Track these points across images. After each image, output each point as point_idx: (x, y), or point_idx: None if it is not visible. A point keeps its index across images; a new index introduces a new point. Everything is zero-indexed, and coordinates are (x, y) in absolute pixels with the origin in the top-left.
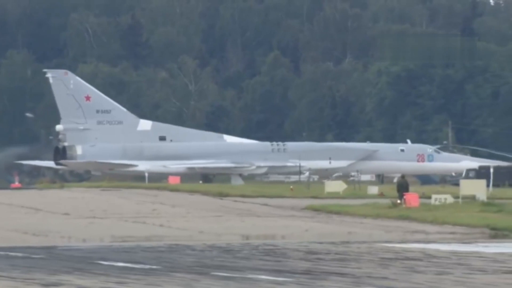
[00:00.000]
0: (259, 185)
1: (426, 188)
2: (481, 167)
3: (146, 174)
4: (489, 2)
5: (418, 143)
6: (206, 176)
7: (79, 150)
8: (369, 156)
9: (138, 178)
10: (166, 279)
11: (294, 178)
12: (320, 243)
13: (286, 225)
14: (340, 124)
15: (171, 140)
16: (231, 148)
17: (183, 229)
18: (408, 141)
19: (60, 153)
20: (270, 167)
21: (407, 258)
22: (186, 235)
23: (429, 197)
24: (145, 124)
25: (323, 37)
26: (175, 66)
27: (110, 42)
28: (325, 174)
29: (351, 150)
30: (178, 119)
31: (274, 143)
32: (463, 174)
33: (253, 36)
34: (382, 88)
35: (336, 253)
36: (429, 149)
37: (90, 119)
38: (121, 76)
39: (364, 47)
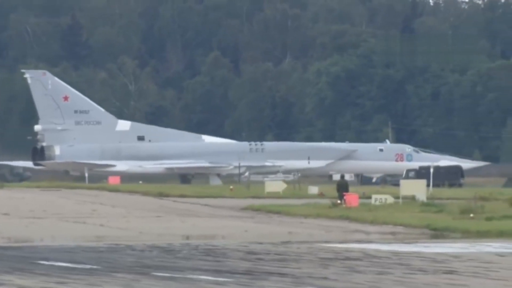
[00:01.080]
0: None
1: (366, 188)
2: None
3: (86, 175)
4: (429, 2)
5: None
6: (185, 176)
7: (57, 150)
8: (348, 155)
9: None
10: (107, 279)
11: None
12: (260, 243)
13: (226, 225)
14: (280, 124)
15: (149, 140)
16: (209, 148)
17: (123, 229)
18: (387, 140)
19: (39, 154)
20: (248, 167)
21: (348, 258)
22: (126, 235)
23: (369, 197)
24: (123, 124)
25: (263, 37)
26: (114, 67)
27: (50, 43)
28: (304, 173)
29: (329, 150)
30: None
31: (252, 143)
32: (403, 175)
33: (193, 36)
34: (322, 88)
35: (276, 253)
36: (408, 148)
37: (68, 119)
38: (61, 76)
39: (304, 47)
